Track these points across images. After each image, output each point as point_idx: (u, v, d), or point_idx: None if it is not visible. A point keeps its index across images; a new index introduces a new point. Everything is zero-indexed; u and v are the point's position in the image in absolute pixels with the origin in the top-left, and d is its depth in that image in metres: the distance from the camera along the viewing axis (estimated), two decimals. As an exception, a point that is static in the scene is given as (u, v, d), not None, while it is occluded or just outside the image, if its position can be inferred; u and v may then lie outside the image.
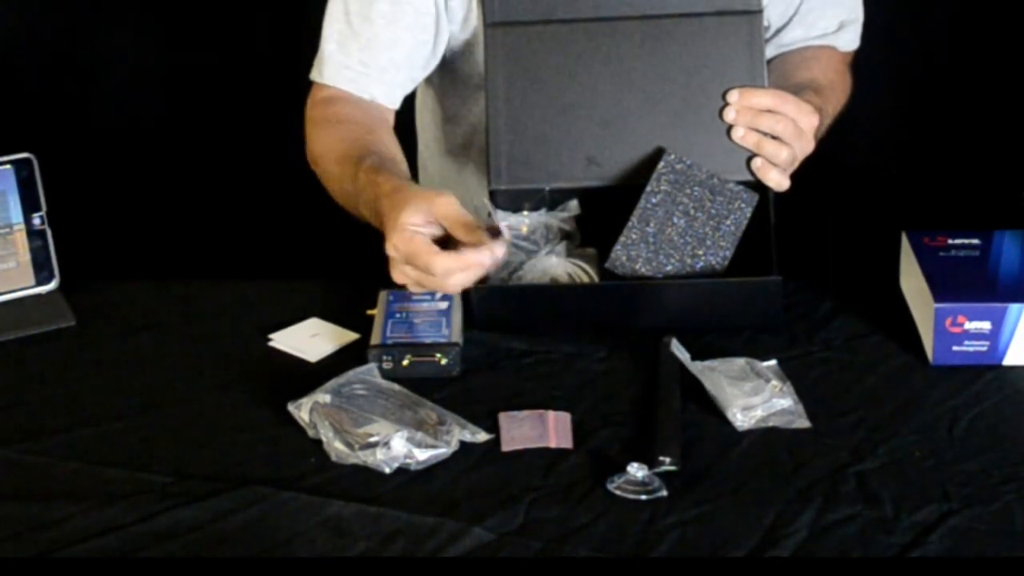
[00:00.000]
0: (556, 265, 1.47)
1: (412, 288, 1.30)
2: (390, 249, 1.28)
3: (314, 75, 1.58)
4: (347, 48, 1.55)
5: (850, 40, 1.68)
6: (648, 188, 1.44)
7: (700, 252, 1.43)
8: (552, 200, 1.50)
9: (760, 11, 1.48)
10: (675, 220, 1.43)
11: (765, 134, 1.46)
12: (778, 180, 1.46)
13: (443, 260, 1.25)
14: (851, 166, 2.28)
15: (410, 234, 1.26)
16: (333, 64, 1.56)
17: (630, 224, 1.43)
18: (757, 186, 1.46)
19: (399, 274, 1.29)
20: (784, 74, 1.58)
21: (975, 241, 1.45)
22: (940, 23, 2.42)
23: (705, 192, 1.44)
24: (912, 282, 1.44)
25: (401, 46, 1.55)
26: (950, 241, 1.45)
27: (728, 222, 1.44)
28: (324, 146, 1.51)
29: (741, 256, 1.44)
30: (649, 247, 1.43)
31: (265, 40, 2.39)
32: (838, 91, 1.62)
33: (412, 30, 1.55)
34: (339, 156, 1.47)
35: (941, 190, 2.40)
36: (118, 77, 2.60)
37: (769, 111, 1.45)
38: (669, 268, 1.43)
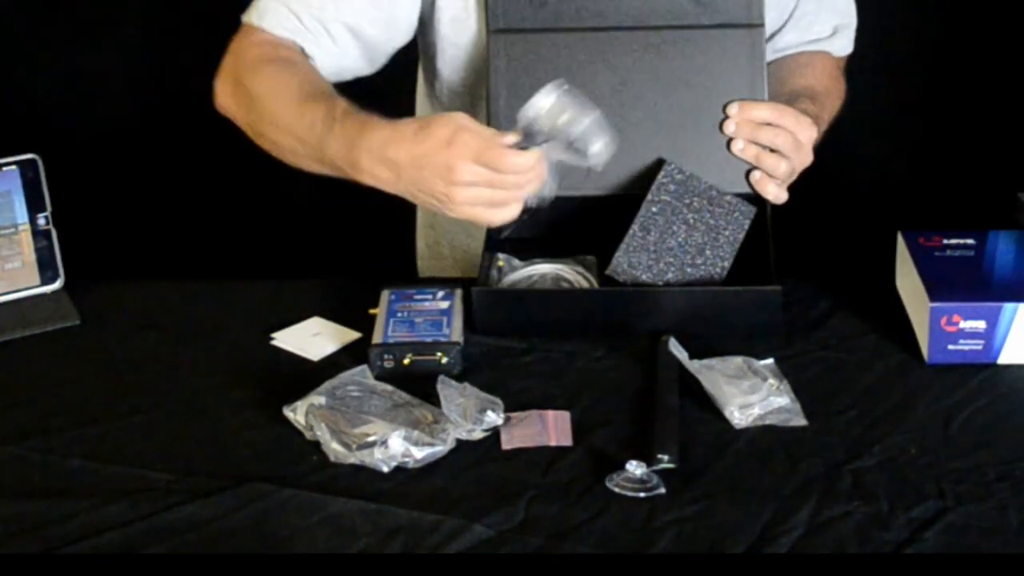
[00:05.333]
0: (557, 271, 1.48)
1: (479, 211, 1.30)
2: (458, 150, 1.27)
3: (251, 18, 1.53)
4: (290, 5, 1.51)
5: (844, 45, 1.69)
6: (649, 197, 1.45)
7: (699, 262, 1.44)
8: (552, 208, 1.50)
9: (762, 25, 1.48)
10: (675, 229, 1.44)
11: (765, 147, 1.46)
12: (776, 193, 1.47)
13: (513, 155, 1.26)
14: (847, 168, 2.28)
15: (479, 129, 1.28)
16: (275, 13, 1.51)
17: (631, 231, 1.44)
18: (755, 199, 1.47)
19: (466, 178, 1.28)
20: (780, 81, 1.59)
21: (970, 241, 1.46)
22: (933, 26, 2.43)
23: (704, 203, 1.45)
24: (908, 282, 1.45)
25: (339, 23, 1.51)
26: (945, 241, 1.46)
27: (726, 233, 1.45)
28: (276, 83, 1.46)
29: (740, 263, 1.45)
30: (650, 255, 1.44)
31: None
32: (833, 97, 1.63)
33: (357, 17, 1.51)
34: (300, 92, 1.43)
35: (936, 191, 2.41)
36: (122, 78, 2.61)
37: (769, 124, 1.46)
38: (669, 276, 1.44)
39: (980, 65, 2.42)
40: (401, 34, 1.56)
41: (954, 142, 2.46)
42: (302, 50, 1.52)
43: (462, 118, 1.30)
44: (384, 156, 1.32)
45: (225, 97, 1.52)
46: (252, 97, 1.47)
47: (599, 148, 1.28)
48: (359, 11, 1.51)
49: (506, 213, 1.32)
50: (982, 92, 2.43)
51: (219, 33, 2.58)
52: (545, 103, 1.26)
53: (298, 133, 1.42)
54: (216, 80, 1.53)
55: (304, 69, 1.49)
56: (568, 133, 1.27)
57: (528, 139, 1.28)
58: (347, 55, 1.54)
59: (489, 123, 1.49)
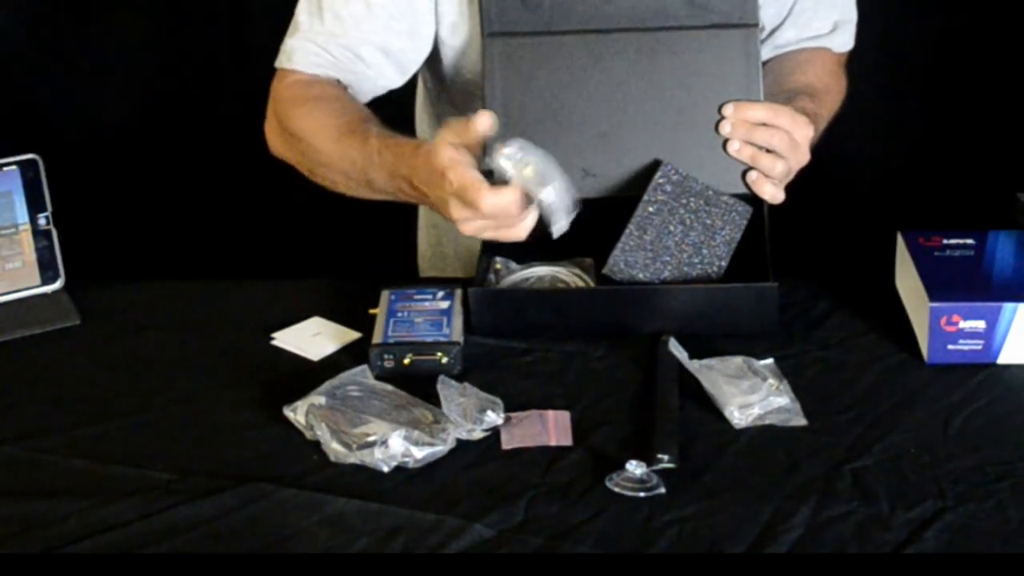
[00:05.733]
0: (554, 274, 1.48)
1: (489, 236, 1.30)
2: (447, 186, 1.27)
3: (281, 63, 1.57)
4: (316, 40, 1.54)
5: (844, 41, 1.69)
6: (645, 197, 1.45)
7: (696, 261, 1.44)
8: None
9: (756, 25, 1.48)
10: (671, 229, 1.44)
11: (760, 147, 1.46)
12: (773, 193, 1.46)
13: (493, 199, 1.24)
14: (846, 168, 2.28)
15: (463, 168, 1.26)
16: (302, 52, 1.54)
17: (628, 231, 1.44)
18: (752, 199, 1.47)
19: (461, 215, 1.28)
20: (779, 78, 1.59)
21: (970, 241, 1.46)
22: (934, 23, 2.43)
23: (701, 203, 1.45)
24: (907, 281, 1.45)
25: (368, 46, 1.54)
26: (945, 241, 1.46)
27: (723, 233, 1.45)
28: (313, 123, 1.49)
29: (737, 262, 1.45)
30: (646, 254, 1.44)
31: (267, 41, 2.40)
32: (833, 94, 1.63)
33: (383, 34, 1.54)
34: (337, 129, 1.46)
35: (936, 191, 2.41)
36: (123, 78, 2.61)
37: (764, 124, 1.46)
38: (666, 275, 1.44)
39: (980, 65, 2.42)
40: (425, 41, 1.58)
41: (954, 142, 2.46)
42: (337, 82, 1.54)
43: (448, 154, 1.28)
44: (414, 185, 1.36)
45: (274, 142, 1.56)
46: (295, 139, 1.51)
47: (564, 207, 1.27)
48: (383, 28, 1.53)
49: (518, 232, 1.29)
50: (982, 92, 2.43)
51: (220, 33, 2.59)
52: (504, 165, 1.25)
53: (344, 169, 1.46)
54: (265, 127, 1.57)
55: (336, 103, 1.51)
56: (532, 186, 1.26)
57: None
58: (381, 74, 1.56)
59: None
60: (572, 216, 1.27)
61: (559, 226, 1.27)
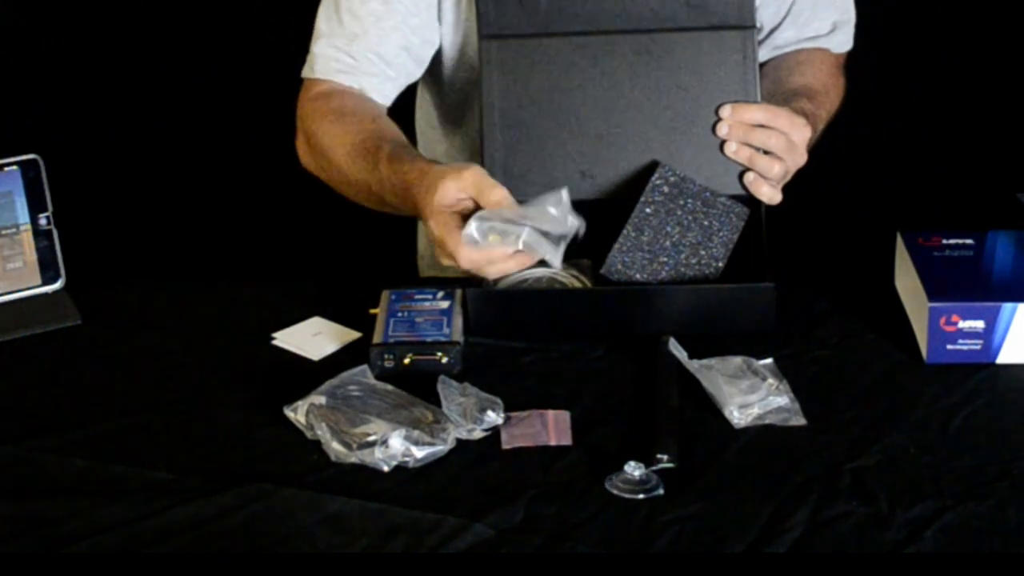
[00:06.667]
0: (551, 275, 1.48)
1: (472, 270, 1.34)
2: (431, 229, 1.33)
3: (305, 72, 1.59)
4: (336, 43, 1.56)
5: (843, 42, 1.69)
6: (643, 198, 1.45)
7: (693, 262, 1.45)
8: None
9: (753, 26, 1.48)
10: (669, 230, 1.44)
11: (758, 149, 1.46)
12: (770, 194, 1.46)
13: (468, 253, 1.30)
14: (846, 168, 2.29)
15: (445, 218, 1.31)
16: (323, 58, 1.56)
17: (625, 232, 1.44)
18: (749, 200, 1.47)
19: (445, 258, 1.34)
20: (778, 79, 1.59)
21: (969, 241, 1.46)
22: (933, 23, 2.43)
23: (698, 204, 1.45)
24: (906, 281, 1.46)
25: (389, 44, 1.55)
26: (944, 241, 1.46)
27: (721, 234, 1.45)
28: (331, 140, 1.51)
29: (735, 263, 1.45)
30: (644, 255, 1.44)
31: (267, 41, 2.40)
32: (832, 95, 1.63)
33: (401, 30, 1.55)
34: (351, 149, 1.48)
35: (936, 191, 2.41)
36: (123, 79, 2.62)
37: (762, 126, 1.46)
38: (663, 275, 1.44)
39: (979, 64, 2.43)
40: (436, 35, 1.60)
41: (954, 142, 2.47)
42: (362, 90, 1.56)
43: (440, 200, 1.32)
44: (417, 210, 1.38)
45: (303, 157, 1.58)
46: (319, 156, 1.54)
47: (558, 212, 1.31)
48: (401, 23, 1.55)
49: (494, 271, 1.35)
50: (982, 91, 2.44)
51: (220, 34, 2.59)
52: (474, 236, 1.30)
53: (362, 191, 1.49)
54: (296, 142, 1.59)
55: (352, 119, 1.52)
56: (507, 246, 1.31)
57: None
58: (402, 71, 1.59)
59: (482, 131, 1.49)
60: (565, 243, 1.32)
61: (550, 259, 1.32)
